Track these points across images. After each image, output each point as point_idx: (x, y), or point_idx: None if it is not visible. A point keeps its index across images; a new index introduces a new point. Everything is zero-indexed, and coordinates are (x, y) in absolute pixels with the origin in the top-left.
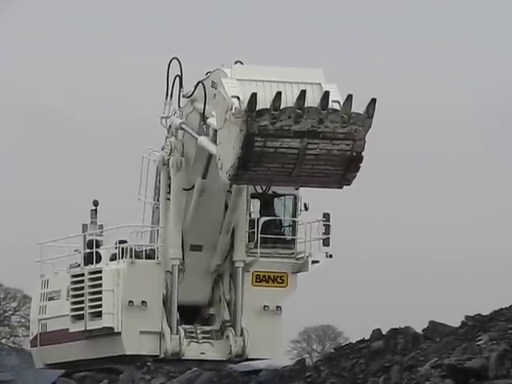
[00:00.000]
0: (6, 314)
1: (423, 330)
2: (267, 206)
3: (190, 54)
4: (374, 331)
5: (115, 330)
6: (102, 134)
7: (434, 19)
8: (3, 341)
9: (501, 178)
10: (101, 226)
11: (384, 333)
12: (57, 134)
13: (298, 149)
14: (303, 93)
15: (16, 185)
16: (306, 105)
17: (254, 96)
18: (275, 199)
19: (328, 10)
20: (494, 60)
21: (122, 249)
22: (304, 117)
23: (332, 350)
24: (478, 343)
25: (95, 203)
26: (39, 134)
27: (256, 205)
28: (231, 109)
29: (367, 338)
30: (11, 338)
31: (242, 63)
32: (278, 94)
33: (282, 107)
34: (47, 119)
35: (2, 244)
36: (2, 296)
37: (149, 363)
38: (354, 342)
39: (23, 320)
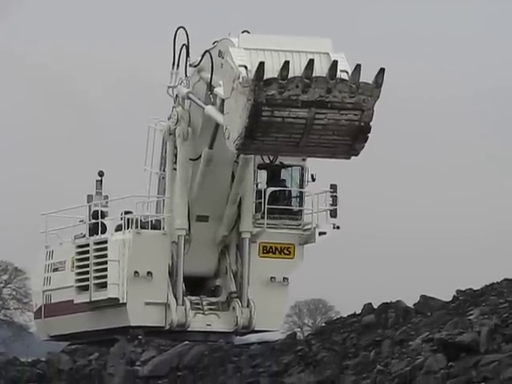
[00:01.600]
0: None
1: (414, 305)
2: (274, 177)
3: (196, 24)
4: (365, 305)
5: (120, 301)
6: (107, 103)
7: None
8: None
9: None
10: (106, 197)
11: (375, 307)
12: (62, 104)
13: (306, 118)
14: (311, 62)
15: (17, 155)
16: (313, 74)
17: (261, 65)
18: (282, 170)
19: None
20: None
21: (128, 219)
22: (312, 86)
23: (323, 324)
24: (470, 317)
25: (100, 174)
26: (48, 105)
27: (263, 176)
28: (238, 78)
29: (358, 312)
30: (2, 311)
31: (249, 33)
32: (286, 63)
33: (289, 76)
34: (57, 89)
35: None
36: None
37: (140, 336)
38: (346, 316)
39: (14, 293)
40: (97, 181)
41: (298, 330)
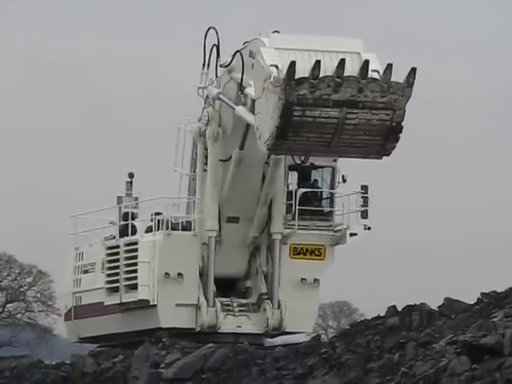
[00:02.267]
0: (22, 289)
1: (438, 307)
2: (305, 178)
3: (226, 24)
4: (389, 308)
5: (151, 303)
6: (138, 106)
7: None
8: (18, 316)
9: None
10: (136, 198)
11: (399, 309)
12: (93, 108)
13: (337, 118)
14: (342, 61)
15: (46, 157)
16: (345, 74)
17: (292, 64)
18: (313, 171)
19: None
20: None
21: (158, 221)
22: (343, 86)
23: (347, 327)
24: (493, 320)
25: (131, 175)
26: (75, 107)
27: (294, 177)
28: (269, 78)
29: (382, 314)
30: (26, 313)
31: (279, 33)
32: (317, 62)
33: (320, 76)
34: (84, 93)
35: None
36: (17, 271)
37: (164, 339)
38: (370, 318)
39: (38, 295)
40: (127, 182)
41: (323, 332)
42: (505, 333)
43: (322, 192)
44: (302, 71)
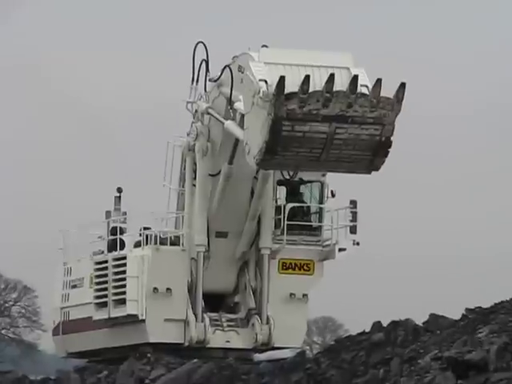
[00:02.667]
0: (7, 305)
1: (424, 323)
2: (294, 193)
3: (215, 39)
4: (374, 323)
5: (139, 318)
6: (125, 121)
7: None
8: (3, 331)
9: (499, 177)
10: (124, 213)
11: (384, 325)
12: (80, 121)
13: (327, 133)
14: (332, 76)
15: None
16: (334, 89)
17: (282, 79)
18: (302, 186)
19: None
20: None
21: (147, 235)
22: (333, 101)
23: (332, 342)
24: (479, 336)
25: (119, 190)
26: (62, 120)
27: (282, 191)
28: (259, 92)
29: (368, 330)
30: (11, 329)
31: (267, 47)
32: (307, 77)
33: (310, 91)
34: (71, 106)
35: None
36: (2, 287)
37: (148, 354)
38: (355, 334)
39: (23, 311)
40: (115, 197)
41: (307, 347)
42: (490, 349)
43: (310, 207)
44: (291, 86)
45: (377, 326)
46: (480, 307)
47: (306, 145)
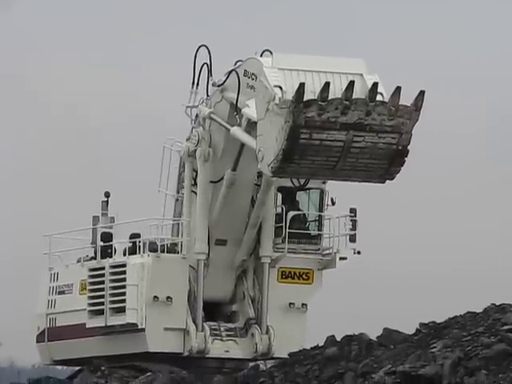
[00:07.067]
0: None
1: (377, 337)
2: (291, 200)
3: (216, 43)
4: (328, 338)
5: (139, 327)
6: (113, 125)
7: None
8: None
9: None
10: (112, 219)
11: (338, 339)
12: (66, 124)
13: (344, 141)
14: (352, 84)
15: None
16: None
17: (302, 86)
18: (298, 192)
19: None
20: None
21: (144, 243)
22: (351, 108)
23: (286, 356)
24: (432, 350)
25: (106, 194)
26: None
27: (279, 199)
28: (274, 99)
29: (321, 344)
30: None
31: (270, 52)
32: (327, 84)
33: (329, 98)
34: (57, 109)
35: None
36: None
37: (103, 367)
38: (308, 348)
39: None
40: (103, 201)
41: (261, 361)
42: (444, 363)
43: (308, 215)
44: (306, 92)
45: (330, 340)
46: (434, 322)
47: (322, 153)
